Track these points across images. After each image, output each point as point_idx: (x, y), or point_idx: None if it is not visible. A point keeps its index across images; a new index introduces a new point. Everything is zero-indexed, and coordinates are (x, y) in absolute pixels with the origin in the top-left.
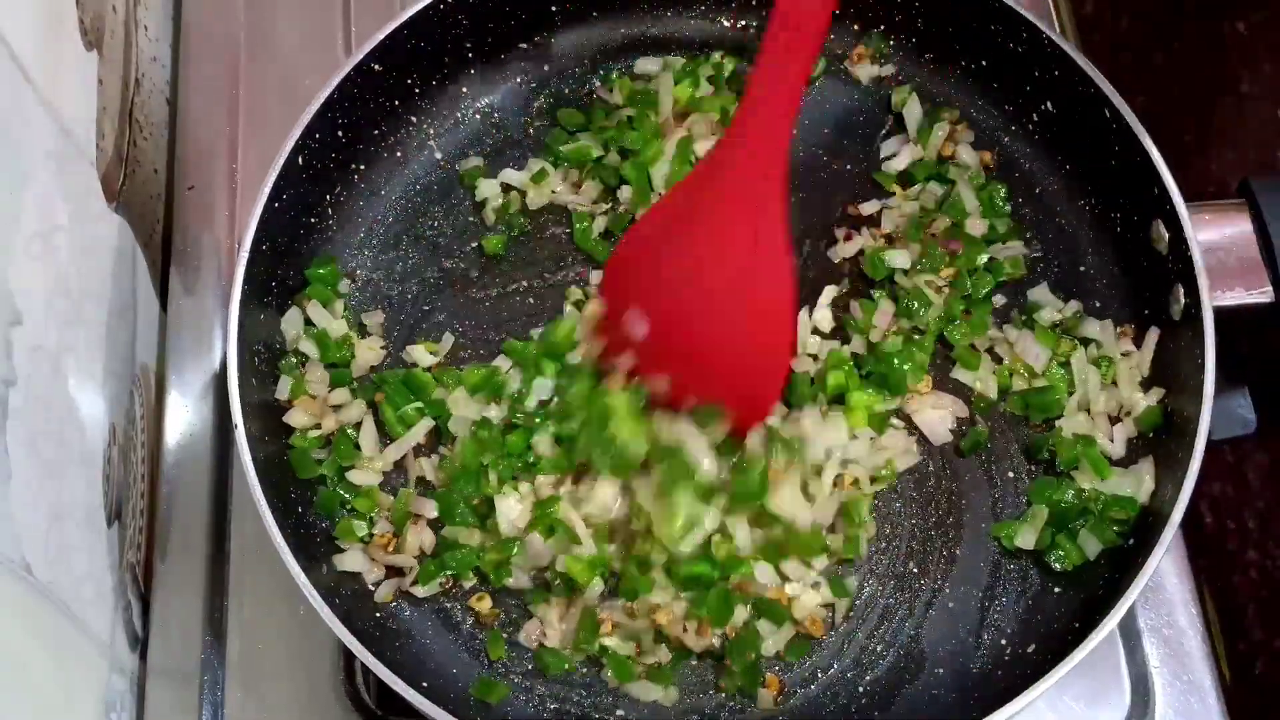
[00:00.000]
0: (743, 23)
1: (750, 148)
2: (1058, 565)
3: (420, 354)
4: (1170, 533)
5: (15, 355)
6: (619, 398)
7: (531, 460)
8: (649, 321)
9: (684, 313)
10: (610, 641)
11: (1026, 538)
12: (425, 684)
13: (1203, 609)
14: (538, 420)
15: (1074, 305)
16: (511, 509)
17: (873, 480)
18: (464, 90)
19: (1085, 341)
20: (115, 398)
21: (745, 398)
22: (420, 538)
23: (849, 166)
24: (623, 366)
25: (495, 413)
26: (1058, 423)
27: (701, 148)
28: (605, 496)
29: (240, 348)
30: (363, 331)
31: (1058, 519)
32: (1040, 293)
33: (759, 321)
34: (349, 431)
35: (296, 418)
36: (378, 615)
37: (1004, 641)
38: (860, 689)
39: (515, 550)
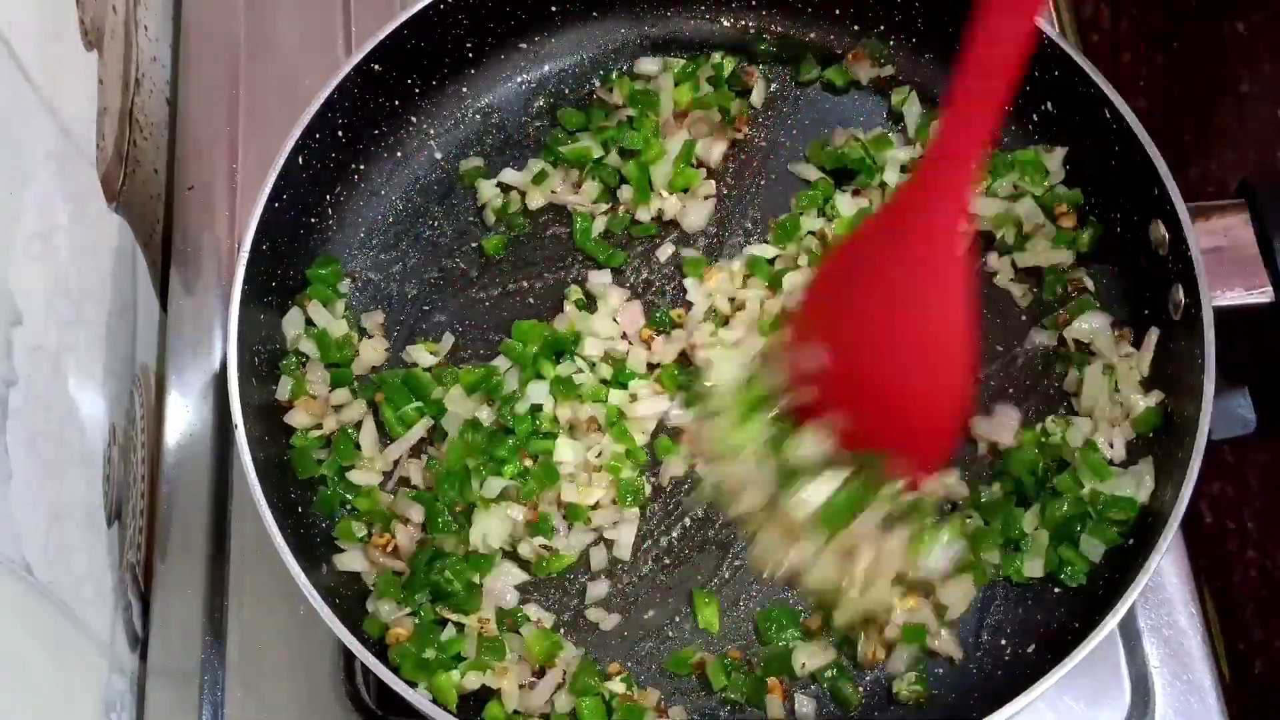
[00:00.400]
0: (743, 23)
1: (938, 197)
2: (1071, 583)
3: (420, 354)
4: (1170, 533)
5: (15, 355)
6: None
7: (519, 470)
8: (829, 358)
9: (865, 355)
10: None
11: (1034, 566)
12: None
13: (1203, 609)
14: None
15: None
16: (489, 526)
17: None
18: (464, 90)
19: (1083, 349)
20: (115, 398)
21: (917, 448)
22: (413, 540)
23: None
24: (793, 402)
25: (487, 415)
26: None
27: (702, 148)
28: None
29: (240, 348)
30: (363, 333)
31: (1058, 534)
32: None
33: (938, 372)
34: (349, 431)
35: (297, 418)
36: None
37: (1004, 641)
38: (860, 689)
39: (489, 570)
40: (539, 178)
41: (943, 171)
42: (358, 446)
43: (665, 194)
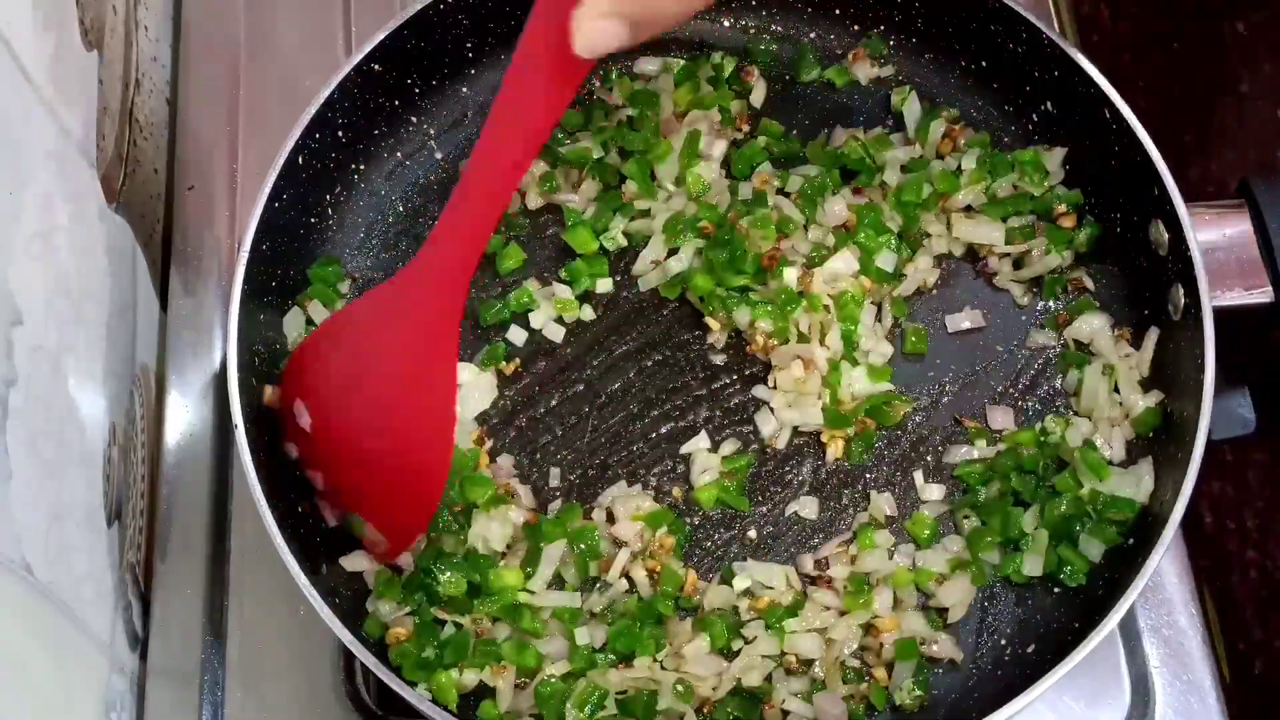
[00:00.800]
0: (743, 23)
1: (434, 287)
2: (1071, 582)
3: None
4: (1170, 533)
5: (15, 355)
6: None
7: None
8: (314, 417)
9: (351, 418)
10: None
11: (1033, 565)
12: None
13: (1203, 609)
14: None
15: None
16: (489, 528)
17: None
18: (464, 90)
19: (1083, 349)
20: (115, 398)
21: (392, 519)
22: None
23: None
24: (289, 452)
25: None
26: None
27: (705, 143)
28: None
29: (240, 348)
30: None
31: (1057, 533)
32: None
33: (418, 450)
34: None
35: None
36: None
37: (1004, 641)
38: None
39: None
40: (542, 181)
41: (443, 261)
42: None
43: (671, 187)
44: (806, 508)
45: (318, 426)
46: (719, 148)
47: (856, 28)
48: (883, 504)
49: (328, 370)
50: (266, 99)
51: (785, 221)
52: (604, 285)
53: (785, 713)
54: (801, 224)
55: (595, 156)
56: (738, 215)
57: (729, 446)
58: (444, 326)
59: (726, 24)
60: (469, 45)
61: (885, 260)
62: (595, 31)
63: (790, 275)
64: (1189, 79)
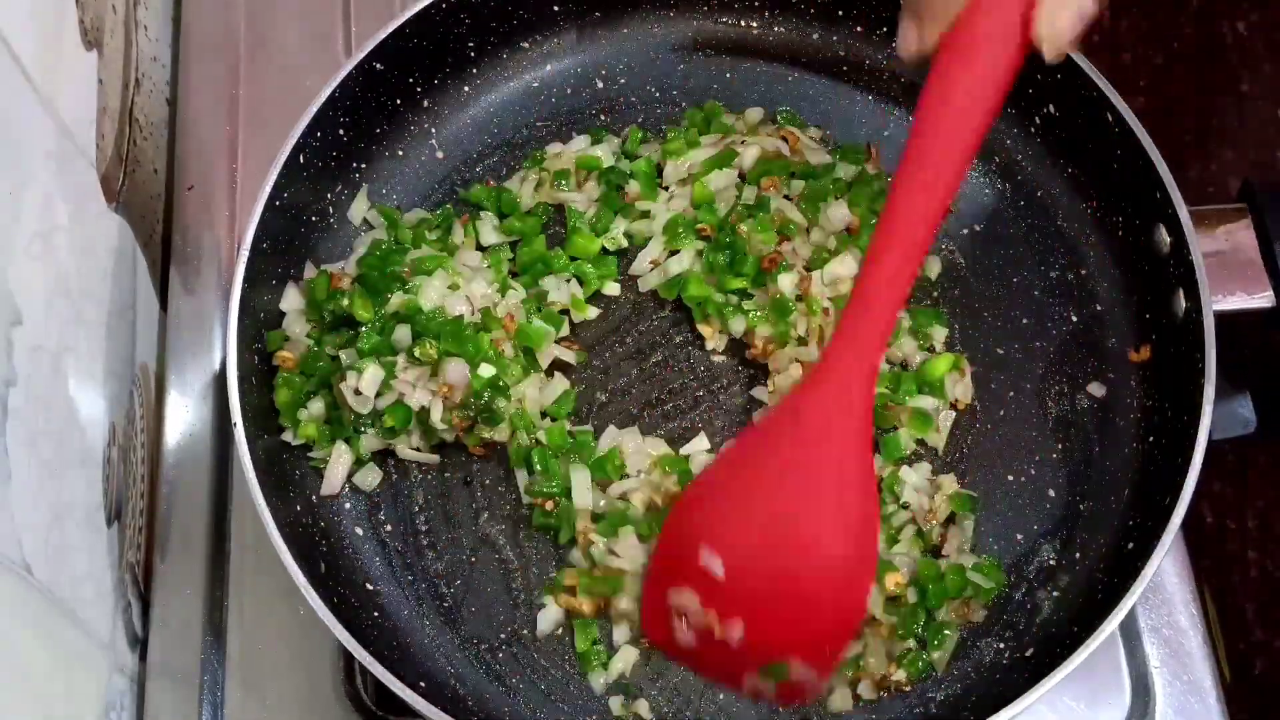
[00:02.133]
0: (744, 22)
1: (839, 386)
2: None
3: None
4: (1170, 533)
5: (15, 355)
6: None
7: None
8: (725, 563)
9: (764, 559)
10: None
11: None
12: (423, 684)
13: (1203, 609)
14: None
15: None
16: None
17: None
18: (465, 90)
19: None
20: (115, 398)
21: (813, 650)
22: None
23: None
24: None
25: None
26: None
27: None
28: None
29: (240, 347)
30: None
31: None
32: None
33: (841, 575)
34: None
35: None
36: (376, 614)
37: (1002, 645)
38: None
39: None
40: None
41: (846, 363)
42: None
43: (675, 187)
44: None
45: (732, 571)
46: (750, 155)
47: (858, 28)
48: None
49: (731, 508)
50: (266, 99)
51: (787, 224)
52: (612, 288)
53: None
54: (803, 227)
55: (605, 165)
56: (739, 218)
57: (729, 448)
58: (849, 426)
59: (727, 23)
60: (470, 44)
61: None
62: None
63: (787, 282)
64: (1189, 79)
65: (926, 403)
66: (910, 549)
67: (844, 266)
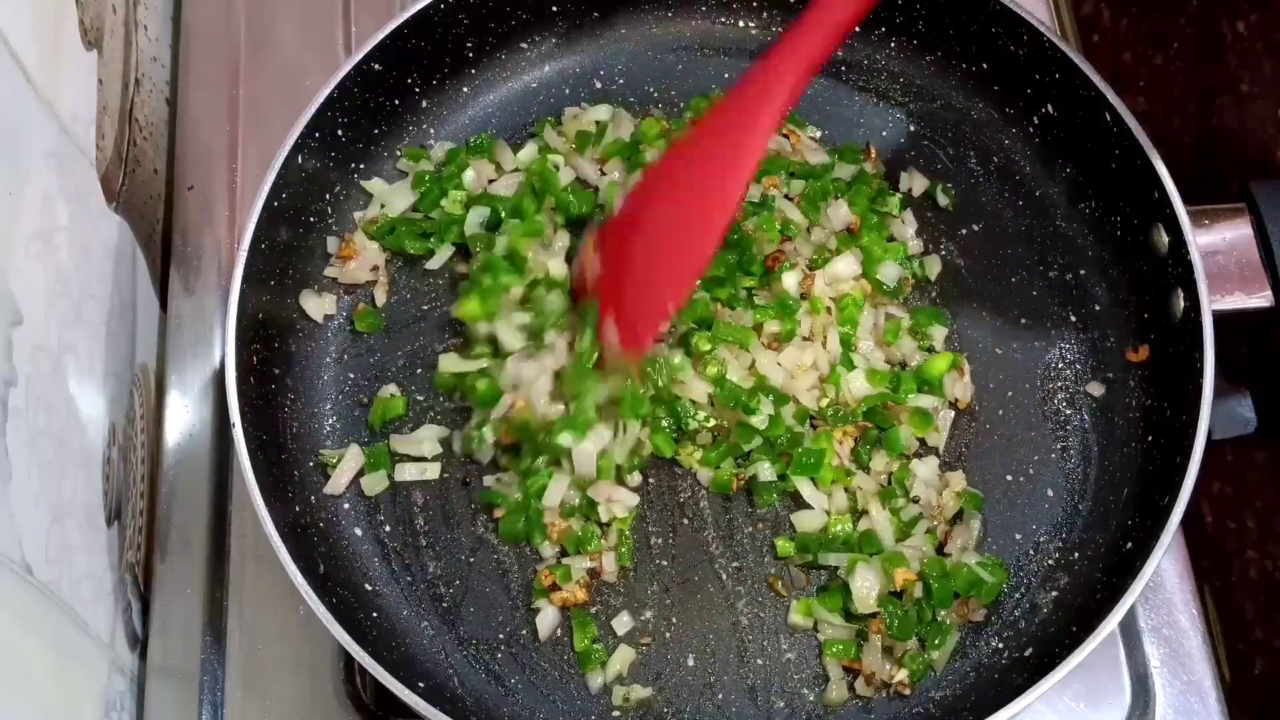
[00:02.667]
0: (742, 23)
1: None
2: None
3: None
4: (1170, 533)
5: (16, 355)
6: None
7: None
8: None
9: (650, 217)
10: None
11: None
12: (421, 684)
13: (1203, 609)
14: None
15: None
16: None
17: None
18: (464, 90)
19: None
20: (115, 398)
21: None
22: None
23: None
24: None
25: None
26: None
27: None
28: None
29: (239, 347)
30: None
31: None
32: None
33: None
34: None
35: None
36: (375, 615)
37: (1001, 645)
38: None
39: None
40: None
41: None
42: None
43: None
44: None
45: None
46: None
47: (858, 29)
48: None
49: (646, 196)
50: (266, 99)
51: (788, 224)
52: None
53: None
54: (804, 227)
55: (626, 149)
56: (744, 215)
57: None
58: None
59: (727, 23)
60: (469, 45)
61: (888, 272)
62: None
63: (791, 280)
64: (1189, 79)
65: (926, 402)
66: (924, 544)
67: (845, 265)
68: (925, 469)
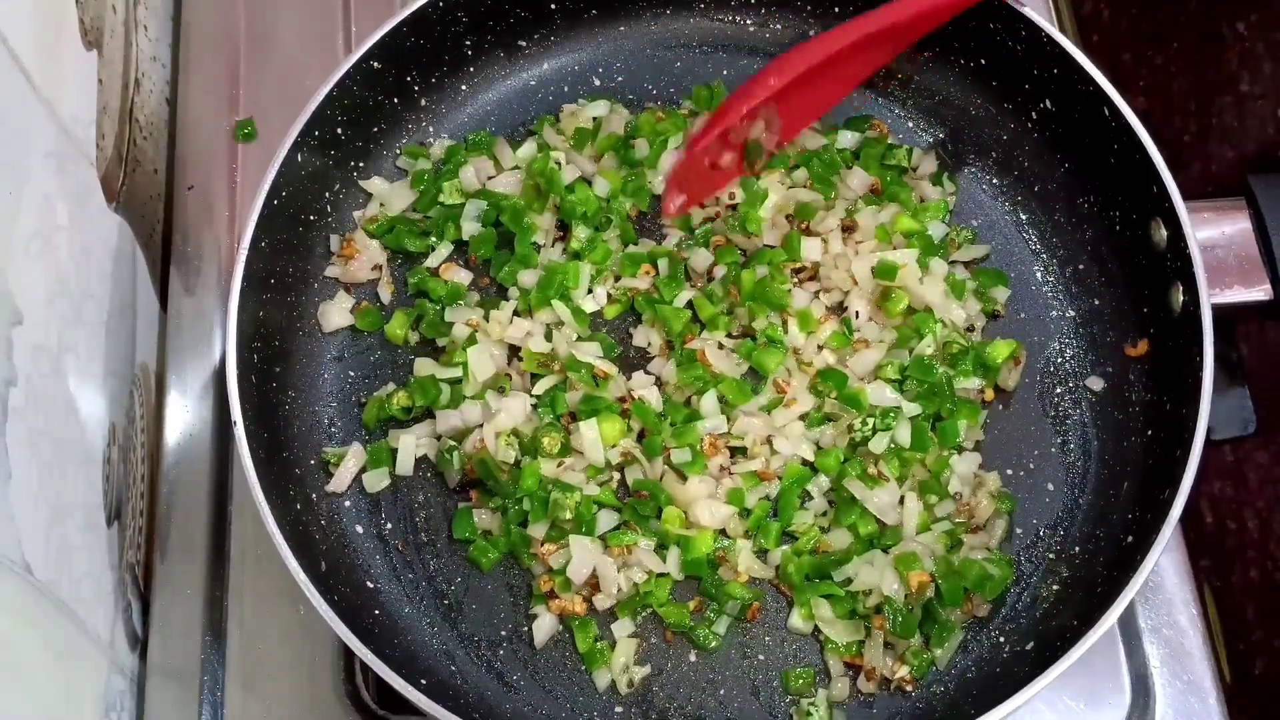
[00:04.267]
0: (740, 20)
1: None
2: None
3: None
4: (1169, 531)
5: (16, 355)
6: None
7: None
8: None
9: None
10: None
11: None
12: (424, 681)
13: (1203, 609)
14: None
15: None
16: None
17: None
18: (463, 88)
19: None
20: (115, 398)
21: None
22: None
23: None
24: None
25: None
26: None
27: None
28: None
29: (239, 347)
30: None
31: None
32: None
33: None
34: None
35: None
36: (377, 613)
37: (1002, 639)
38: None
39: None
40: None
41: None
42: None
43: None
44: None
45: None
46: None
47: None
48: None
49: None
50: (266, 99)
51: (805, 209)
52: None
53: None
54: (823, 205)
55: (619, 142)
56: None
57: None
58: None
59: (726, 22)
60: (468, 43)
61: (935, 230)
62: None
63: (813, 246)
64: (1189, 79)
65: (973, 384)
66: (937, 542)
67: (886, 213)
68: (964, 465)
